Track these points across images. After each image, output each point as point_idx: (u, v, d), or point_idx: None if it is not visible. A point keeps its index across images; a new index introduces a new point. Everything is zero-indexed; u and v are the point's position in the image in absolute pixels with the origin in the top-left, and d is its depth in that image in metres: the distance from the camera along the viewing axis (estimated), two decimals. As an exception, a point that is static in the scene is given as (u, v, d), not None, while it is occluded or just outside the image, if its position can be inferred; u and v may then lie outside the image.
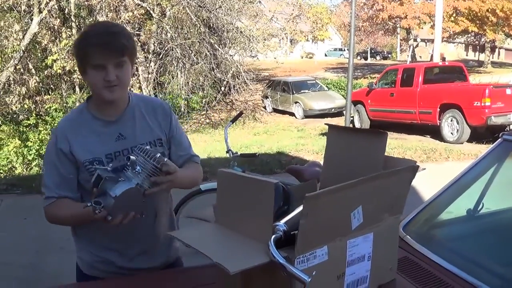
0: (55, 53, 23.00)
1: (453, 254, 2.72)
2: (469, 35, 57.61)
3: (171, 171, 2.60)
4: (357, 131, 2.67)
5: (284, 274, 1.74)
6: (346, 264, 1.98)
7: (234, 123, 7.73)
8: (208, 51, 26.32)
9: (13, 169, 17.06)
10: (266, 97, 31.97)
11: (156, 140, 2.91)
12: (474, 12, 44.27)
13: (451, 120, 16.68)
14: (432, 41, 46.84)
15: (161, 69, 27.71)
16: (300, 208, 1.89)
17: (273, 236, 1.81)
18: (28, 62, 24.33)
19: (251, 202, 1.99)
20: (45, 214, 2.82)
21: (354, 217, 1.92)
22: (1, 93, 21.96)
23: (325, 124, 2.74)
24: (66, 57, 22.67)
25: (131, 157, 2.54)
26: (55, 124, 11.76)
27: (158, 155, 2.57)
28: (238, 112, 8.10)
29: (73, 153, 2.74)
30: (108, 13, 24.09)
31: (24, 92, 22.87)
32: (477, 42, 64.72)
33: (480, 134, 16.16)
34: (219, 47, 27.10)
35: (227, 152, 6.78)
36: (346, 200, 1.88)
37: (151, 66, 27.19)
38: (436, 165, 12.11)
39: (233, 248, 1.97)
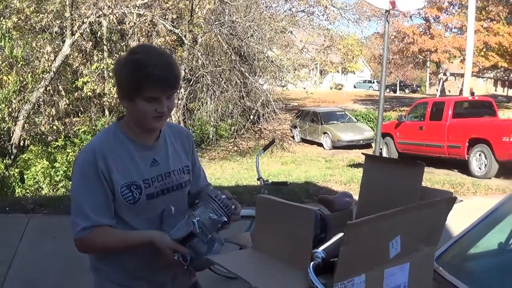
0: (86, 75, 23.28)
1: (485, 287, 2.72)
2: (499, 70, 57.24)
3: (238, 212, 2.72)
4: (394, 161, 2.68)
5: (321, 300, 1.75)
6: (383, 293, 1.99)
7: (264, 152, 7.73)
8: (239, 79, 26.39)
9: (40, 189, 17.24)
10: (295, 127, 32.13)
11: (184, 167, 2.88)
12: (504, 48, 43.94)
13: (479, 155, 16.57)
14: (461, 75, 46.68)
15: (191, 95, 27.79)
16: (338, 236, 1.93)
17: (312, 263, 1.83)
18: (58, 84, 24.57)
19: (290, 229, 2.01)
20: (79, 244, 2.64)
21: (392, 246, 1.94)
22: (31, 113, 22.17)
23: (362, 153, 2.77)
24: (97, 80, 22.93)
25: (214, 217, 2.59)
26: (83, 144, 11.77)
27: (230, 205, 2.64)
28: (270, 140, 8.07)
29: (111, 176, 2.61)
30: (140, 38, 24.34)
31: (53, 113, 23.04)
32: (506, 77, 64.45)
33: (508, 170, 16.04)
34: (249, 75, 27.21)
35: (258, 179, 6.70)
36: (386, 229, 1.89)
37: (181, 93, 27.38)
38: (464, 200, 12.01)
39: (271, 273, 1.98)
